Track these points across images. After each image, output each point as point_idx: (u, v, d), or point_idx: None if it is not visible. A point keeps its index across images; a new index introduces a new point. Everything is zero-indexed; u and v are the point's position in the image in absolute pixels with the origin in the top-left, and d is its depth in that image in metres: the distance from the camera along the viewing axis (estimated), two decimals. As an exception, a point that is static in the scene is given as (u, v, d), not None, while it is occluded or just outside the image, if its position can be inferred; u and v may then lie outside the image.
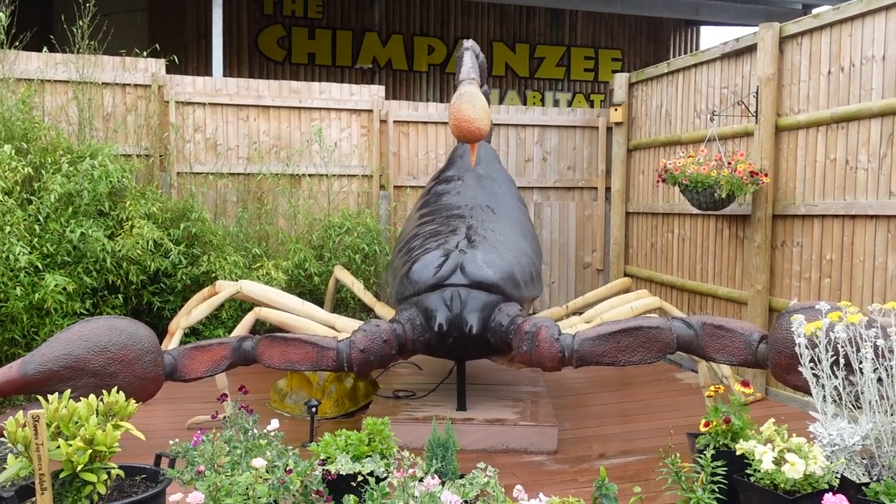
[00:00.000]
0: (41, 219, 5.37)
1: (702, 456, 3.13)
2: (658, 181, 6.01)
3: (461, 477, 3.04)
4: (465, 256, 4.57)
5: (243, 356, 4.26)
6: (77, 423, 2.55)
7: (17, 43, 6.12)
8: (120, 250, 5.64)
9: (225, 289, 5.13)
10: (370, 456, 3.05)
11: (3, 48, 5.99)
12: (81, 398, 2.73)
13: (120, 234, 5.76)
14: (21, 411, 2.64)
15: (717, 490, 3.05)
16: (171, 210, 6.37)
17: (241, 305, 6.36)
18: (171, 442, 2.92)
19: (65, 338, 3.85)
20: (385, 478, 2.89)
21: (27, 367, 3.75)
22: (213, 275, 6.06)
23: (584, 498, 2.91)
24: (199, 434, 2.87)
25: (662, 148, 7.12)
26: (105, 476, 2.54)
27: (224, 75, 7.33)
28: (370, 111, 7.47)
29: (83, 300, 5.53)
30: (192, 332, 6.19)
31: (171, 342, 4.97)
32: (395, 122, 7.55)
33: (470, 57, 6.00)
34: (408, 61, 11.24)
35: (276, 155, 7.19)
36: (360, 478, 2.94)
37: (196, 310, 5.07)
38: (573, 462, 4.29)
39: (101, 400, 2.73)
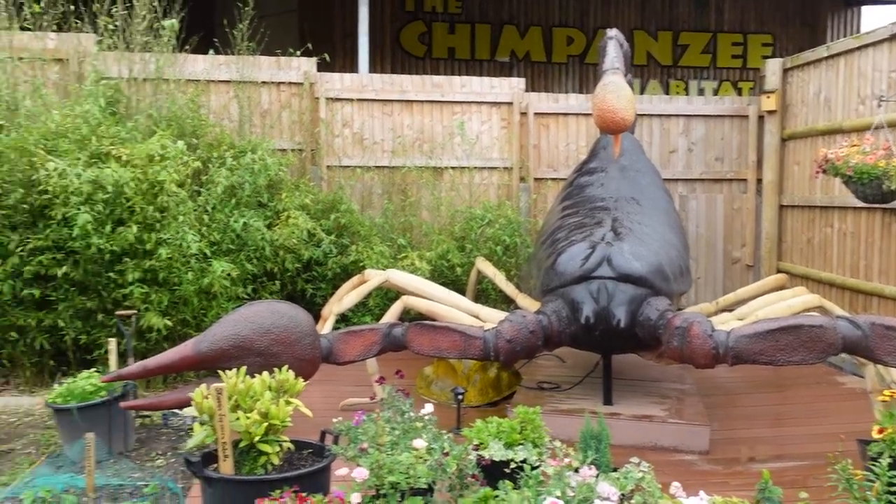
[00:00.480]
0: (209, 209, 5.78)
1: (876, 464, 2.94)
2: (817, 172, 5.65)
3: (614, 470, 3.01)
4: (612, 248, 4.51)
5: (393, 342, 4.40)
6: (253, 397, 2.74)
7: (187, 46, 6.59)
8: (277, 239, 5.99)
9: (373, 278, 5.32)
10: (522, 444, 3.08)
11: (174, 52, 6.47)
12: (255, 375, 2.92)
13: (277, 225, 6.10)
14: (204, 384, 2.86)
15: (894, 501, 2.85)
16: (322, 202, 6.68)
17: (386, 294, 6.57)
18: (334, 420, 3.07)
19: (232, 319, 4.13)
20: (538, 466, 2.91)
21: (200, 346, 4.05)
22: (361, 264, 6.30)
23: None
24: (361, 414, 3.01)
25: (821, 137, 6.70)
26: (278, 448, 2.72)
27: (368, 72, 7.59)
28: (510, 104, 7.49)
29: (245, 285, 5.90)
30: (341, 319, 6.45)
31: (325, 327, 5.21)
32: (535, 114, 7.54)
33: (614, 46, 5.90)
34: (546, 53, 11.18)
35: (420, 148, 7.35)
36: (512, 465, 2.98)
37: (347, 297, 5.30)
38: (725, 464, 4.14)
39: (274, 377, 2.92)
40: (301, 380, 2.95)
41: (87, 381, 4.61)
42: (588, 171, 6.08)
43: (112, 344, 4.81)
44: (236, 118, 6.88)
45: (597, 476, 2.68)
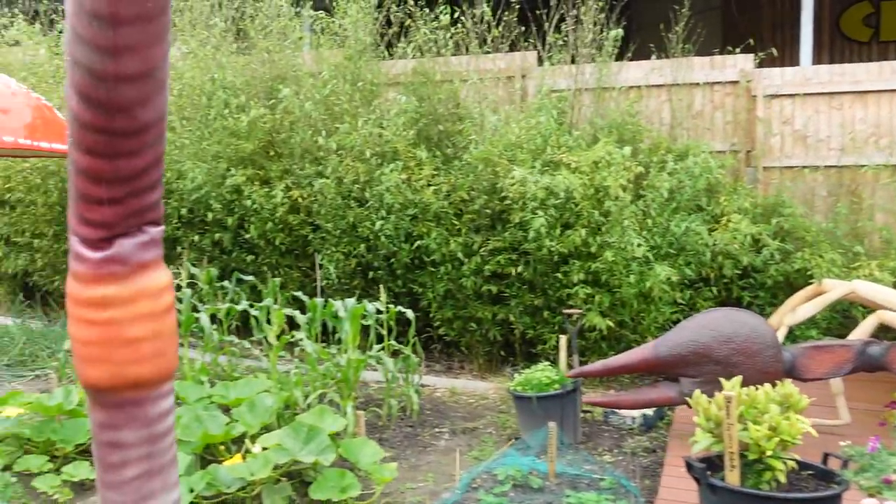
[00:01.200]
0: (651, 213, 5.83)
1: None
2: None
3: None
4: None
5: (867, 362, 3.98)
6: (758, 409, 2.62)
7: (628, 55, 6.75)
8: (716, 244, 5.80)
9: (835, 288, 4.84)
10: None
11: (610, 60, 6.66)
12: (756, 387, 2.81)
13: (716, 229, 5.91)
14: (697, 390, 2.83)
15: None
16: (761, 205, 6.30)
17: (833, 306, 5.94)
18: (841, 444, 2.82)
19: (691, 326, 4.10)
20: None
21: (659, 350, 4.09)
22: (808, 273, 5.78)
23: None
24: (875, 439, 2.71)
25: None
26: (783, 466, 2.56)
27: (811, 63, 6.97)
28: None
29: (681, 290, 5.83)
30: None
31: (777, 339, 4.88)
32: None
33: None
34: None
35: (876, 144, 6.51)
36: None
37: (802, 308, 4.90)
38: None
39: (776, 391, 2.77)
40: (805, 397, 2.75)
41: (542, 373, 4.96)
42: None
43: (563, 340, 5.12)
44: (667, 121, 6.84)
45: None
